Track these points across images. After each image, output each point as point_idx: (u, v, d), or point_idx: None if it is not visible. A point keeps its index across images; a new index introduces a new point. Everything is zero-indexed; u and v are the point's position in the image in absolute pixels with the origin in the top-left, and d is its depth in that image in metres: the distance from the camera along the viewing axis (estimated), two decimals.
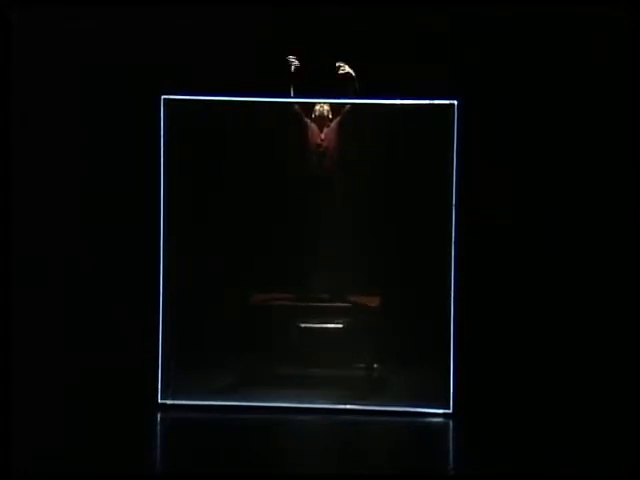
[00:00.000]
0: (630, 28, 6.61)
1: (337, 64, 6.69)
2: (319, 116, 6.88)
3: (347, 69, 6.70)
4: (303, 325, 7.05)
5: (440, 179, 6.47)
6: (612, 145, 6.84)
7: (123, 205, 6.95)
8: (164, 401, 6.49)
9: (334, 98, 6.84)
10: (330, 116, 6.89)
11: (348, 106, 6.81)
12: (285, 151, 6.93)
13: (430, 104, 6.50)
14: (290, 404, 6.47)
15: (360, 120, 6.80)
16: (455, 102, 6.43)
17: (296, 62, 6.72)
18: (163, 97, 6.51)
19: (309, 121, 6.90)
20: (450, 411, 6.38)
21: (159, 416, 6.37)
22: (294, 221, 6.95)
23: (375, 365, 6.95)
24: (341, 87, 6.71)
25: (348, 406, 6.46)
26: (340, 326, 7.03)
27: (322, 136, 6.88)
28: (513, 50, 6.93)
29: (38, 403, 6.26)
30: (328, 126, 6.89)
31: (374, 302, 6.89)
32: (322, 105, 6.88)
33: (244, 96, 6.58)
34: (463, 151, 6.44)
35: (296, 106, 6.87)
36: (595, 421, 6.16)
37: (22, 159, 6.63)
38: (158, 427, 6.31)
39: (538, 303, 6.95)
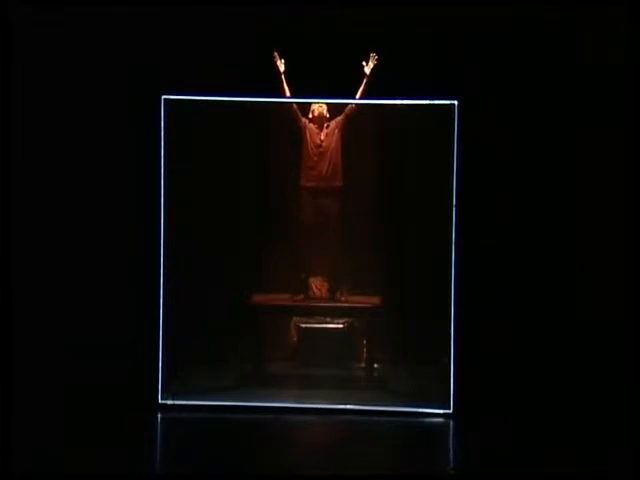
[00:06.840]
0: (630, 28, 6.61)
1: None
2: (318, 116, 6.89)
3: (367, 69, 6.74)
4: (303, 325, 7.06)
5: (440, 179, 6.48)
6: (611, 145, 6.83)
7: (123, 205, 6.94)
8: (164, 401, 6.50)
9: (333, 98, 6.85)
10: (328, 116, 6.90)
11: (349, 106, 6.83)
12: (285, 151, 6.94)
13: (430, 104, 6.51)
14: (290, 404, 6.47)
15: (360, 120, 6.81)
16: (455, 102, 6.44)
17: (281, 60, 6.73)
18: (163, 97, 6.52)
19: (308, 121, 6.91)
20: (450, 411, 6.39)
21: (159, 416, 6.38)
22: (294, 221, 6.96)
23: (375, 365, 6.95)
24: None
25: (348, 406, 6.46)
26: (340, 326, 7.04)
27: (322, 136, 6.89)
28: (513, 50, 6.92)
29: (38, 403, 6.26)
30: (327, 126, 6.89)
31: (374, 302, 6.90)
32: (320, 105, 6.88)
33: (244, 96, 6.58)
34: (463, 151, 6.44)
35: (295, 106, 6.88)
36: (594, 421, 6.16)
37: (22, 159, 6.63)
38: (158, 427, 6.32)
39: (538, 303, 6.94)
